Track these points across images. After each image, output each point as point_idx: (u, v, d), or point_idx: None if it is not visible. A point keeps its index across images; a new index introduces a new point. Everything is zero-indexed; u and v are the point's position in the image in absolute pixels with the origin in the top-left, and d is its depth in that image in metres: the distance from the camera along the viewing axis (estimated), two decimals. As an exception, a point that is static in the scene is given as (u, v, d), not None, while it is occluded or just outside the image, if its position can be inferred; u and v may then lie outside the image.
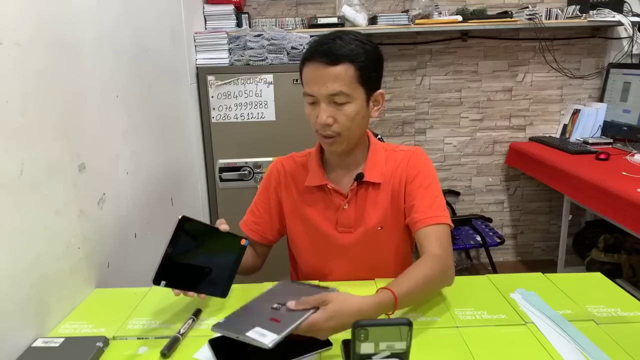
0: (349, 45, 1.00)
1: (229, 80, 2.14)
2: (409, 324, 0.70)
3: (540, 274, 1.13)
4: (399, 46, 2.77)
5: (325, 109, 1.02)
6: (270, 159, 2.19)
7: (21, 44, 0.87)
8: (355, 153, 1.14)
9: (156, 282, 0.88)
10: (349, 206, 1.14)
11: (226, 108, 2.17)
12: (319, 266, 1.19)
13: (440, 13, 2.56)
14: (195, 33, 2.15)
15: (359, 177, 1.12)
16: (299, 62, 1.88)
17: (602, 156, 2.30)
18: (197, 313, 0.96)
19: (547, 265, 2.96)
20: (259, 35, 2.15)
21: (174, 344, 0.86)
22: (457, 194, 2.99)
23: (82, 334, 0.92)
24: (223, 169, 2.22)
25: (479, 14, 2.59)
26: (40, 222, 0.91)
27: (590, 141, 2.59)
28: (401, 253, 1.18)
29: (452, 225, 1.08)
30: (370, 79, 1.04)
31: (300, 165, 1.20)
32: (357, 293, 0.86)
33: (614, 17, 2.51)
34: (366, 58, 1.02)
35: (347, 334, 0.79)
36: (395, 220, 1.14)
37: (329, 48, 1.00)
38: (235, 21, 2.37)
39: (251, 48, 2.15)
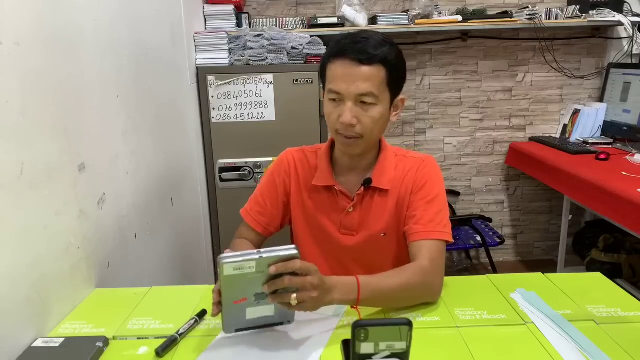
0: (383, 46, 1.00)
1: (229, 80, 2.14)
2: (409, 324, 0.70)
3: (540, 274, 1.13)
4: (399, 46, 2.77)
5: (351, 109, 1.00)
6: (270, 159, 2.19)
7: (20, 43, 0.86)
8: (366, 156, 1.13)
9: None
10: (354, 210, 1.13)
11: (226, 108, 2.17)
12: (317, 263, 1.18)
13: (440, 13, 2.56)
14: (195, 33, 2.15)
15: (367, 183, 1.11)
16: (299, 62, 1.89)
17: (602, 156, 2.30)
18: (201, 314, 0.96)
19: (547, 265, 2.96)
20: (259, 35, 2.15)
21: (170, 344, 0.86)
22: (457, 194, 2.99)
23: (82, 334, 0.92)
24: (223, 169, 2.22)
25: (479, 14, 2.59)
26: (40, 222, 0.91)
27: (590, 141, 2.59)
28: (402, 259, 1.14)
29: (452, 240, 1.06)
30: (396, 83, 1.04)
31: (310, 160, 1.19)
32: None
33: (614, 17, 2.51)
34: (397, 62, 1.02)
35: (347, 334, 0.80)
36: (398, 227, 1.13)
37: (363, 47, 0.98)
38: (235, 21, 2.37)
39: (251, 48, 2.14)
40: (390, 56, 1.01)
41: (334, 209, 1.14)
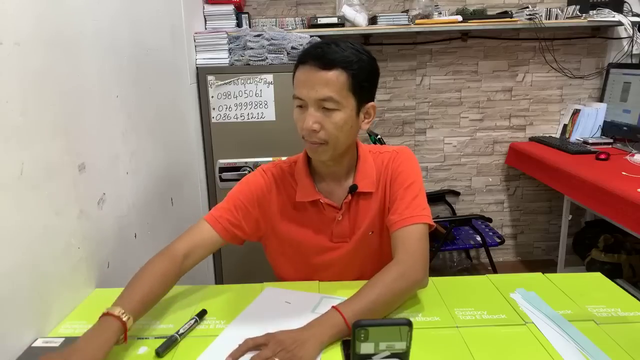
0: (344, 51, 1.00)
1: (229, 80, 2.14)
2: (409, 324, 0.70)
3: (540, 274, 1.13)
4: (399, 46, 2.77)
5: (312, 114, 1.00)
6: (270, 159, 2.19)
7: (21, 43, 0.86)
8: (343, 162, 1.12)
9: None
10: (343, 217, 1.12)
11: (226, 108, 2.17)
12: (306, 276, 1.15)
13: (440, 13, 2.56)
14: (195, 33, 2.15)
15: (353, 189, 1.10)
16: (298, 62, 1.82)
17: (602, 156, 2.30)
18: (201, 314, 0.96)
19: (547, 265, 2.96)
20: (259, 35, 2.15)
21: (170, 344, 0.86)
22: (457, 194, 2.99)
23: (82, 333, 0.92)
24: (223, 169, 2.21)
25: (479, 14, 2.59)
26: (40, 222, 0.91)
27: (590, 141, 2.59)
28: (387, 251, 1.12)
29: (431, 222, 1.06)
30: (362, 88, 1.02)
31: (289, 176, 1.16)
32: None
33: (614, 17, 2.51)
34: (360, 67, 1.01)
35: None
36: (382, 220, 1.13)
37: (323, 52, 0.99)
38: (235, 21, 2.37)
39: (251, 48, 2.14)
40: (351, 60, 1.00)
41: (322, 221, 1.13)
